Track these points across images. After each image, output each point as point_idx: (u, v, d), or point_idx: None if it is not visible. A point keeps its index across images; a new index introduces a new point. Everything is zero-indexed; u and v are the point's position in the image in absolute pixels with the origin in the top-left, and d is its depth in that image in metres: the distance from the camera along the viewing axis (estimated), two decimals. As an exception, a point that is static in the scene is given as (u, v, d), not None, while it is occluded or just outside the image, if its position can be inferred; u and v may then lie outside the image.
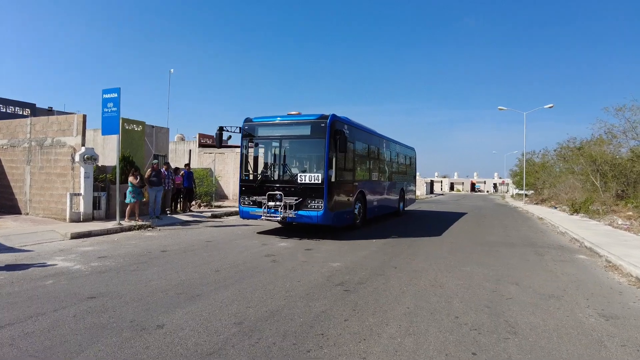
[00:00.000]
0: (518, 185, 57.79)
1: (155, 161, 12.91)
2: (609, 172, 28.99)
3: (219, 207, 17.97)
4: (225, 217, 15.21)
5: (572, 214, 19.63)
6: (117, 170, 11.37)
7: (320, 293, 5.44)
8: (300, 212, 9.63)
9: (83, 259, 7.28)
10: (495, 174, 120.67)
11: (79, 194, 11.76)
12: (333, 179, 9.77)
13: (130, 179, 11.74)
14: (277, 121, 10.40)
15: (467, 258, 8.27)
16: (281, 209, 9.69)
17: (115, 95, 11.21)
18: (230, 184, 23.64)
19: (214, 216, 14.79)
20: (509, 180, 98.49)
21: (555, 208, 28.78)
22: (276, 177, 10.18)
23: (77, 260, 7.22)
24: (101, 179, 12.74)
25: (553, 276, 6.89)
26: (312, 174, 9.67)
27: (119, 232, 10.77)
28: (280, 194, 9.78)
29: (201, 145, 25.02)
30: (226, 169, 23.97)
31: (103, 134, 11.70)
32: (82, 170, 11.71)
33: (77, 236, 9.61)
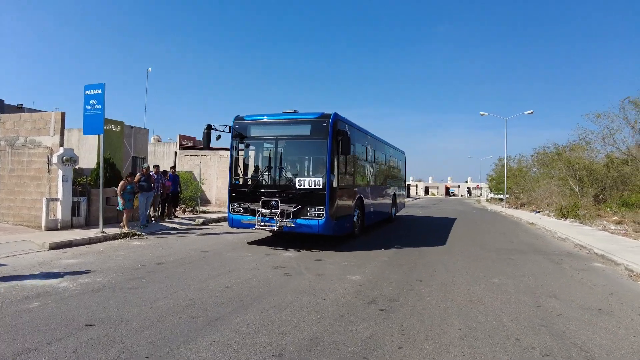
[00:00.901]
0: (495, 189, 58.88)
1: (146, 165, 11.91)
2: (586, 177, 29.74)
3: (204, 212, 17.03)
4: (213, 223, 14.34)
5: (560, 219, 19.76)
6: (101, 172, 10.39)
7: (356, 314, 4.82)
8: (299, 221, 8.91)
9: (69, 275, 6.38)
10: (469, 179, 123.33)
11: (56, 199, 10.68)
12: (335, 184, 9.13)
13: (123, 183, 10.98)
14: (272, 119, 9.62)
15: (488, 268, 7.83)
16: (277, 217, 8.94)
17: (99, 91, 10.25)
18: (214, 187, 22.64)
19: (203, 223, 13.89)
20: (483, 185, 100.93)
21: (538, 212, 29.20)
22: (271, 182, 9.36)
23: (61, 276, 6.32)
24: (80, 183, 11.67)
25: (586, 287, 6.52)
26: (312, 179, 8.98)
27: (103, 241, 9.79)
28: (276, 201, 9.03)
29: (182, 147, 23.92)
30: (209, 172, 22.95)
31: (85, 133, 10.68)
32: (60, 173, 10.65)
33: (56, 246, 8.60)
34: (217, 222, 14.56)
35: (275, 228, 8.89)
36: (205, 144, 9.65)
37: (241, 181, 9.74)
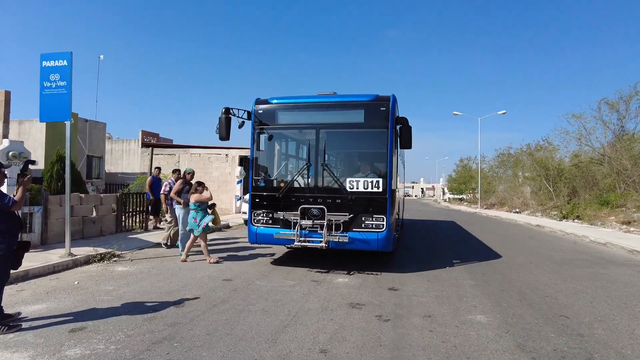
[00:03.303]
0: (457, 190, 59.63)
1: (191, 170, 8.60)
2: (557, 177, 30.09)
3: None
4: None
5: (560, 220, 19.15)
6: (67, 173, 7.63)
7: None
8: (353, 235, 6.81)
9: (45, 339, 3.86)
10: (422, 179, 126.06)
11: (-2, 211, 7.73)
12: (394, 186, 7.18)
13: (197, 196, 7.79)
14: (310, 102, 7.41)
15: (603, 289, 6.23)
16: (324, 230, 6.83)
17: (65, 63, 7.50)
18: (184, 191, 19.73)
19: (190, 235, 11.28)
20: (437, 185, 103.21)
21: (518, 212, 29.01)
22: (312, 184, 7.17)
23: (32, 343, 3.79)
24: (32, 188, 8.73)
25: None
26: (369, 179, 6.90)
27: (73, 267, 7.10)
28: (320, 209, 6.87)
29: (145, 144, 20.74)
30: (178, 174, 20.02)
31: (43, 119, 7.81)
32: (6, 174, 7.71)
33: (6, 282, 5.86)
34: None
35: (322, 245, 6.70)
36: (223, 134, 7.17)
37: (268, 183, 7.43)
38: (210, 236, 11.32)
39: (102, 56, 24.66)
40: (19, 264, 4.40)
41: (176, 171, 9.37)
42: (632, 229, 14.42)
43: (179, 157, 20.23)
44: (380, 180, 6.83)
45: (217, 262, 7.69)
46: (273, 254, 8.69)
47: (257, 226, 7.29)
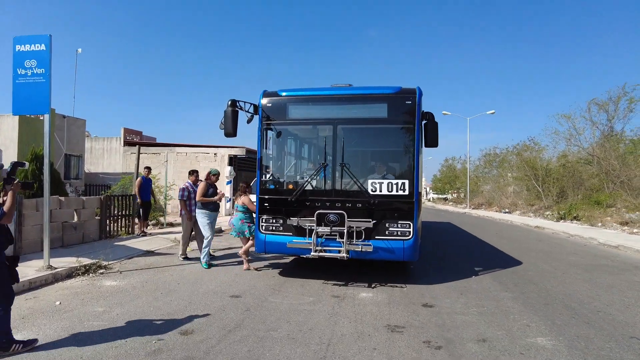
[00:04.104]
0: (441, 190, 59.76)
1: (216, 171, 7.86)
2: (546, 177, 30.19)
3: (171, 225, 13.31)
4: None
5: (557, 220, 18.93)
6: (46, 173, 6.67)
7: None
8: (377, 243, 6.07)
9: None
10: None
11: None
12: (420, 189, 6.51)
13: (248, 201, 7.32)
14: (326, 95, 6.63)
15: (636, 297, 5.70)
16: (344, 238, 6.02)
17: (43, 47, 6.54)
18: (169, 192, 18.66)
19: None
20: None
21: (508, 212, 28.93)
22: (329, 186, 6.34)
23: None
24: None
25: None
26: (393, 181, 6.21)
27: (53, 282, 6.17)
28: (339, 214, 6.10)
29: (127, 143, 19.55)
30: (163, 174, 18.93)
31: (17, 112, 6.81)
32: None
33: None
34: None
35: (343, 255, 5.95)
36: (229, 129, 6.31)
37: (278, 185, 6.63)
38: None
39: (80, 49, 23.20)
40: (17, 278, 3.80)
41: (194, 172, 8.20)
42: (635, 230, 14.19)
43: (163, 156, 19.13)
44: (407, 181, 6.13)
45: (256, 270, 7.23)
46: (278, 263, 7.90)
47: (267, 233, 6.49)
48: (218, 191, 7.71)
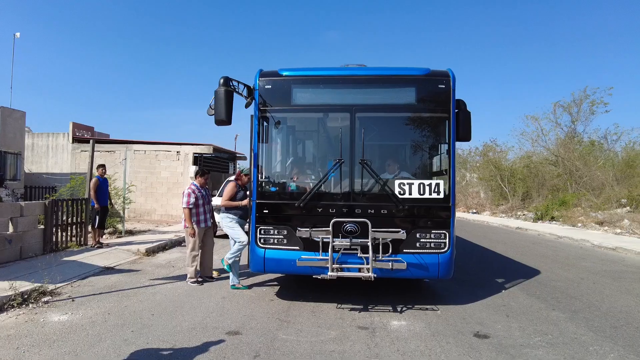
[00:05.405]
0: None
1: (249, 170, 5.69)
2: (511, 177, 30.73)
3: (131, 233, 11.55)
4: (160, 252, 9.29)
5: (535, 221, 18.78)
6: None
7: None
8: (408, 258, 4.91)
9: None
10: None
11: None
12: (455, 191, 5.46)
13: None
14: (339, 75, 5.36)
15: None
16: (367, 253, 4.82)
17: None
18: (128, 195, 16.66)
19: (146, 253, 8.77)
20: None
21: (476, 213, 29.00)
22: (347, 189, 5.06)
23: None
24: None
25: None
26: (426, 182, 5.11)
27: (-24, 321, 4.53)
28: (362, 223, 4.93)
29: (77, 139, 17.31)
30: (119, 174, 16.93)
31: None
32: None
33: None
34: (164, 250, 9.51)
35: (370, 275, 4.75)
36: (221, 114, 4.84)
37: (280, 187, 5.33)
38: (170, 255, 8.92)
39: (18, 34, 20.51)
40: None
41: (204, 174, 6.51)
42: (618, 230, 14.10)
43: (118, 154, 17.07)
44: (441, 182, 5.05)
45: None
46: (267, 282, 6.58)
47: (266, 248, 5.17)
48: (247, 193, 6.16)
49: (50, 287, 5.67)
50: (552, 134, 28.74)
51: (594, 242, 11.67)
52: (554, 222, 17.64)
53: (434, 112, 5.20)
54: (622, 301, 5.69)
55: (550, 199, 24.23)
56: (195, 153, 17.53)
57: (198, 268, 6.39)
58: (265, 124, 5.31)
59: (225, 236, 7.10)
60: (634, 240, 12.05)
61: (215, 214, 6.80)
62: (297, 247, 5.08)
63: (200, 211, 6.30)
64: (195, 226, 6.23)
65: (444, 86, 5.13)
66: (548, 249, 10.94)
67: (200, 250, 6.41)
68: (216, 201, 7.36)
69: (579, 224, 15.98)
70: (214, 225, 6.82)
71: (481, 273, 7.48)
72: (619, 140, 26.05)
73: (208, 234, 6.57)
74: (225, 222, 6.09)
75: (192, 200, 6.20)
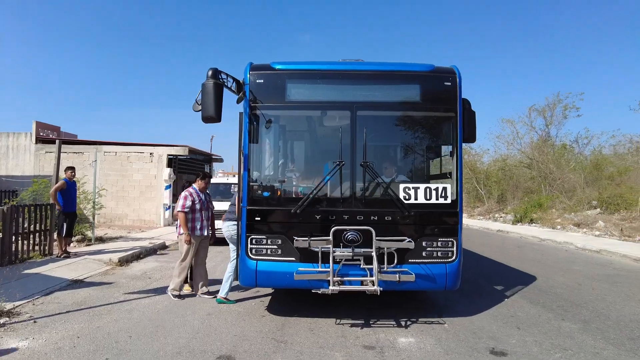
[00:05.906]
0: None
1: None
2: (487, 180, 31.23)
3: (101, 240, 10.72)
4: (134, 262, 8.59)
5: (514, 224, 18.90)
6: None
7: None
8: (415, 269, 4.53)
9: None
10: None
11: None
12: (462, 195, 5.11)
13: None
14: (338, 70, 4.88)
15: None
16: (371, 264, 4.44)
17: None
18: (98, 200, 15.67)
19: (119, 263, 8.06)
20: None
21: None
22: (347, 193, 4.68)
23: None
24: None
25: None
26: (432, 186, 4.76)
27: None
28: (365, 232, 4.50)
29: (41, 140, 16.17)
30: (89, 177, 15.92)
31: None
32: None
33: None
34: (138, 259, 8.82)
35: (375, 288, 4.34)
36: (210, 110, 4.28)
37: (273, 192, 4.85)
38: (146, 265, 8.25)
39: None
40: None
41: (205, 177, 5.90)
42: (597, 232, 14.29)
43: (87, 155, 16.06)
44: (448, 186, 4.71)
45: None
46: (255, 295, 6.07)
47: (258, 259, 4.67)
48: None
49: (8, 306, 4.99)
50: (527, 137, 29.31)
51: (577, 244, 11.71)
52: (533, 224, 17.81)
53: (440, 111, 4.86)
54: (629, 309, 5.51)
55: (527, 201, 24.64)
56: (169, 155, 16.71)
57: (183, 281, 5.81)
58: (256, 122, 4.82)
59: (221, 242, 6.50)
60: (614, 242, 12.18)
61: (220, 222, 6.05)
62: (293, 258, 4.62)
63: (197, 217, 5.68)
64: (190, 233, 5.64)
65: (450, 83, 4.80)
66: (535, 252, 10.87)
67: (190, 263, 5.82)
68: (217, 206, 6.78)
69: (558, 227, 16.16)
70: (213, 236, 6.11)
71: (476, 280, 7.20)
72: (589, 144, 26.75)
73: (203, 244, 5.87)
74: (232, 232, 5.38)
75: (189, 203, 5.59)
